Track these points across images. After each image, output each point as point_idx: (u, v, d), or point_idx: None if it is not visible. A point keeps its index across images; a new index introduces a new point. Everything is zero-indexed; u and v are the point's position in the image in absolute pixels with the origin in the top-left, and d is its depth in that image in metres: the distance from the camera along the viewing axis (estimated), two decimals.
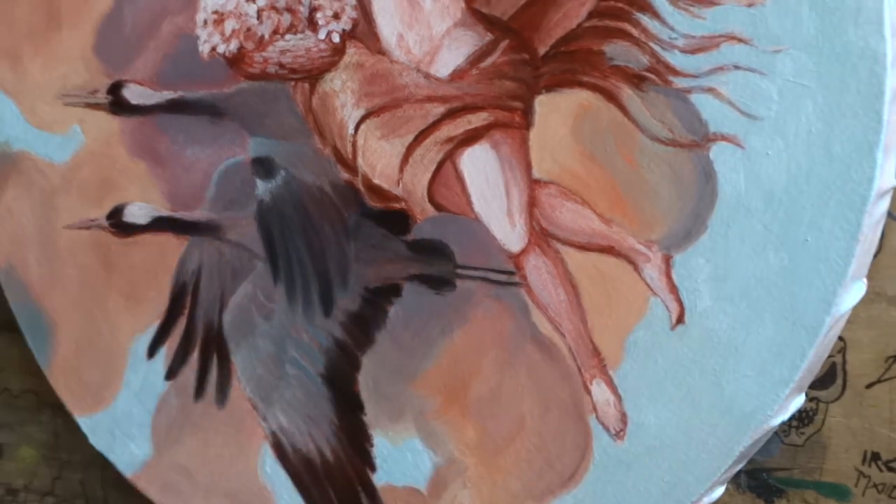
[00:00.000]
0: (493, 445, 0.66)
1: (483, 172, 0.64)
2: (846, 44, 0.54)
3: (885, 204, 0.57)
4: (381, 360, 0.69)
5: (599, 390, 0.62)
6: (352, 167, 0.68)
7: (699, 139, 0.58)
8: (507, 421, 0.65)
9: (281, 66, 0.69)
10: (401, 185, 0.67)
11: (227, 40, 0.69)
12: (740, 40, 0.56)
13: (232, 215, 0.72)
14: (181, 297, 0.75)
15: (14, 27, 0.78)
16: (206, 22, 0.70)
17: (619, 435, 0.62)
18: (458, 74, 0.64)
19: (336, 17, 0.67)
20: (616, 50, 0.60)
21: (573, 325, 0.63)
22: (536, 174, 0.63)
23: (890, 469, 0.66)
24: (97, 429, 0.78)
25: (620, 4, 0.59)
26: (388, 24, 0.66)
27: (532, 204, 0.63)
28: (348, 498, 0.71)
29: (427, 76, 0.65)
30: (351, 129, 0.67)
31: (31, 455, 0.90)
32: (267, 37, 0.68)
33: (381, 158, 0.67)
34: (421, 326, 0.67)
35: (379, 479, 0.70)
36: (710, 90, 0.57)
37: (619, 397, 0.61)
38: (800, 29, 0.54)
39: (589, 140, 0.61)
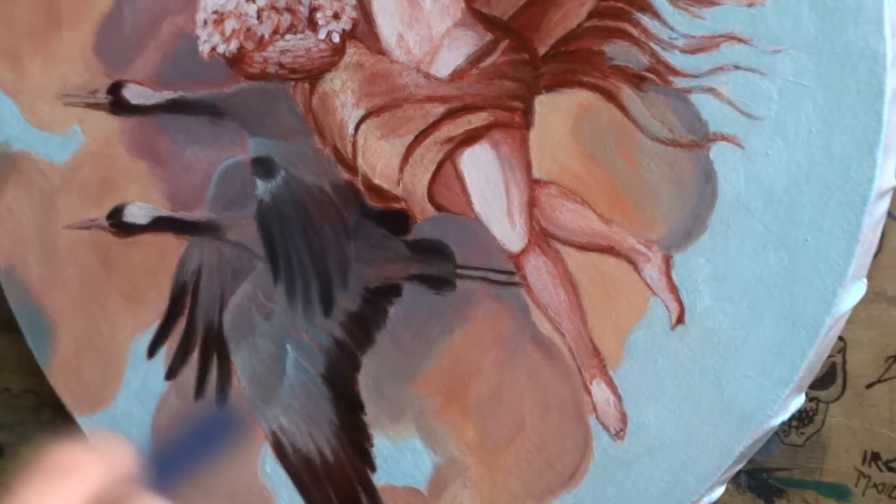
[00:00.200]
0: (493, 445, 0.66)
1: (483, 172, 0.64)
2: (846, 44, 0.53)
3: (885, 204, 0.57)
4: (381, 360, 0.69)
5: (599, 390, 0.62)
6: (352, 167, 0.68)
7: (699, 139, 0.58)
8: (508, 421, 0.65)
9: (281, 66, 0.69)
10: (401, 185, 0.67)
11: (227, 40, 0.69)
12: (740, 40, 0.56)
13: (232, 215, 0.72)
14: (181, 297, 0.75)
15: (14, 27, 0.78)
16: (206, 22, 0.70)
17: (619, 435, 0.62)
18: (458, 74, 0.64)
19: (336, 17, 0.66)
20: (616, 50, 0.60)
21: (573, 325, 0.62)
22: (536, 174, 0.63)
23: (890, 469, 0.66)
24: (97, 429, 0.78)
25: (620, 4, 0.59)
26: (388, 24, 0.66)
27: (532, 204, 0.63)
28: (348, 498, 0.71)
29: (427, 76, 0.65)
30: (351, 129, 0.67)
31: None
32: (267, 37, 0.68)
33: (381, 158, 0.67)
34: (421, 326, 0.67)
35: (379, 479, 0.70)
36: (710, 90, 0.57)
37: (619, 397, 0.61)
38: (800, 29, 0.54)
39: (589, 140, 0.61)
